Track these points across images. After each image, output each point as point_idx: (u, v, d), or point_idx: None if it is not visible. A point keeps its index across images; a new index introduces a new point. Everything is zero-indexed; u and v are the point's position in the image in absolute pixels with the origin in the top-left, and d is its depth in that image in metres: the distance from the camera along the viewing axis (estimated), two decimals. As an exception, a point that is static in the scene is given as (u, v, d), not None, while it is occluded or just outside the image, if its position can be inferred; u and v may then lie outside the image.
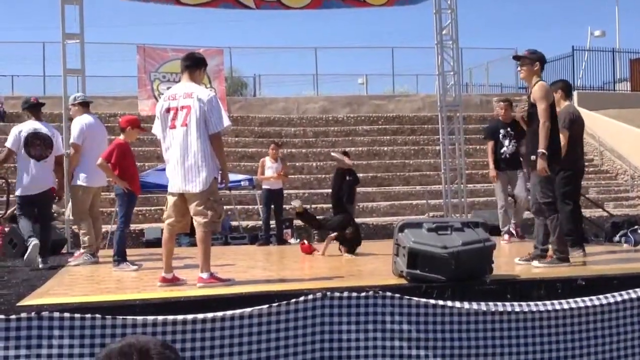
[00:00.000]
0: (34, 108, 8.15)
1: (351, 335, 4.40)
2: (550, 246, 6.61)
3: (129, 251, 7.58)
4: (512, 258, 6.89)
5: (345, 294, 4.45)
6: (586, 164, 20.64)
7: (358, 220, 11.53)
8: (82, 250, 7.89)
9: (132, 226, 12.09)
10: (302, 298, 4.35)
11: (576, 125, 7.52)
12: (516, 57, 7.09)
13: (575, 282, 5.41)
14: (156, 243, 10.36)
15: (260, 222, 12.43)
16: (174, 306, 4.51)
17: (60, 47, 11.02)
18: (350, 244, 8.46)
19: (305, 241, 9.37)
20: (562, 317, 4.72)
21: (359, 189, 13.41)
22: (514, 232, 9.49)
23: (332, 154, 9.02)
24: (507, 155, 9.44)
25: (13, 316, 3.87)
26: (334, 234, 8.61)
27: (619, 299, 4.86)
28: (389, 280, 5.40)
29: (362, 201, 17.85)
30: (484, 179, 19.51)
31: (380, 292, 4.51)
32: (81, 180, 7.89)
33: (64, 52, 10.97)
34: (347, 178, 11.95)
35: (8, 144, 7.74)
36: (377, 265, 7.27)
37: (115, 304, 4.58)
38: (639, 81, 25.93)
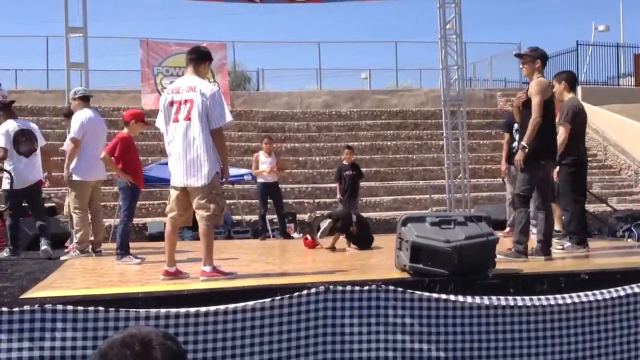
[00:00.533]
0: (6, 107, 8.29)
1: (354, 329, 4.40)
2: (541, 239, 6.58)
3: (132, 245, 7.60)
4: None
5: (348, 287, 4.44)
6: (590, 158, 20.67)
7: (363, 214, 11.54)
8: (73, 245, 7.92)
9: (135, 220, 12.08)
10: (305, 292, 4.35)
11: (579, 118, 7.41)
12: (518, 55, 7.08)
13: (579, 276, 5.40)
14: (159, 237, 10.39)
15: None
16: (177, 299, 4.52)
17: (63, 40, 11.02)
18: (358, 241, 8.45)
19: (308, 236, 9.37)
20: (565, 312, 4.71)
21: (362, 184, 13.41)
22: None
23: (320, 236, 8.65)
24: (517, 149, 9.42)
25: (16, 309, 3.88)
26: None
27: (622, 293, 4.86)
28: (392, 274, 5.40)
29: (366, 196, 17.85)
30: (487, 173, 19.51)
31: (383, 286, 4.51)
32: (80, 174, 7.88)
33: (67, 45, 10.98)
34: (349, 172, 11.95)
35: (1, 143, 7.80)
36: (380, 259, 7.27)
37: (118, 296, 4.59)
38: (644, 76, 25.85)
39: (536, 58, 6.67)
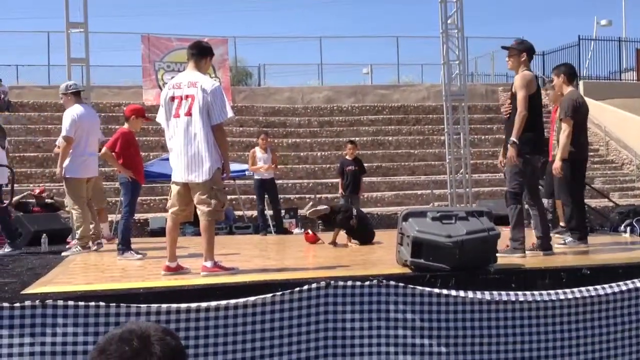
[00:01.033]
0: None
1: (355, 324, 4.40)
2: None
3: (133, 240, 7.60)
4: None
5: (350, 283, 4.44)
6: (592, 153, 20.69)
7: (363, 210, 11.53)
8: (75, 241, 7.91)
9: (137, 215, 12.09)
10: (306, 287, 4.35)
11: (580, 113, 7.31)
12: (505, 47, 6.96)
13: (580, 271, 5.39)
14: (161, 232, 10.39)
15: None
16: (178, 295, 4.52)
17: (64, 36, 11.01)
18: (359, 236, 8.43)
19: (310, 231, 9.37)
20: (567, 307, 4.70)
21: (363, 179, 13.39)
22: None
23: (308, 212, 8.60)
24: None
25: (17, 304, 3.88)
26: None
27: (624, 288, 4.85)
28: (393, 270, 5.39)
29: (367, 191, 17.82)
30: (489, 168, 19.49)
31: (384, 281, 4.50)
32: (74, 171, 7.82)
33: (68, 41, 10.94)
34: (352, 168, 11.94)
35: None
36: (381, 255, 7.27)
37: (120, 292, 4.59)
38: (646, 71, 25.82)
39: (522, 51, 6.58)
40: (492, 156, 19.72)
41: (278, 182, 13.14)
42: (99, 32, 20.29)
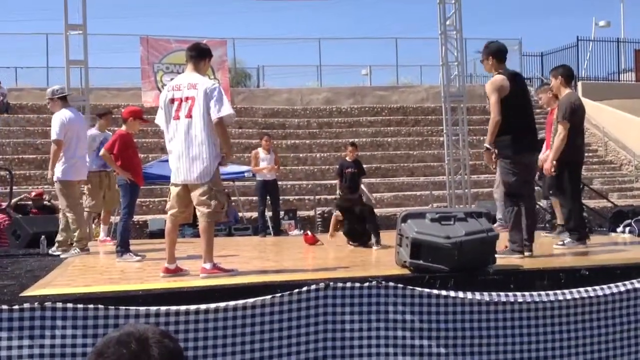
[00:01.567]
0: None
1: (354, 325, 4.40)
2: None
3: (132, 242, 7.59)
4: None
5: (349, 284, 4.44)
6: (590, 154, 20.71)
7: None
8: (73, 244, 7.90)
9: (136, 217, 12.10)
10: (305, 288, 4.34)
11: (577, 116, 7.32)
12: (478, 52, 6.95)
13: (579, 272, 5.39)
14: (160, 234, 10.38)
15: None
16: (177, 297, 4.51)
17: (63, 38, 11.02)
18: (359, 237, 8.42)
19: (309, 232, 9.36)
20: (565, 307, 4.71)
21: (363, 180, 13.37)
22: None
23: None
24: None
25: (16, 307, 3.88)
26: (338, 214, 8.60)
27: (622, 289, 4.85)
28: (392, 271, 5.39)
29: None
30: (488, 169, 19.46)
31: (383, 282, 4.50)
32: (65, 175, 7.81)
33: (66, 43, 10.97)
34: (351, 170, 11.91)
35: None
36: (380, 256, 7.27)
37: (119, 294, 4.58)
38: (644, 72, 25.84)
39: (487, 55, 6.55)
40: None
41: (277, 183, 13.13)
42: (98, 33, 20.28)
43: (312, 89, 24.12)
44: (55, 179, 7.80)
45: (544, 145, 8.27)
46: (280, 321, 4.25)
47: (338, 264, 6.61)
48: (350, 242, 8.44)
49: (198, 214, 5.55)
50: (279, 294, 4.29)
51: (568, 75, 7.59)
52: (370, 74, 26.90)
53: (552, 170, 7.18)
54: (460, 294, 4.58)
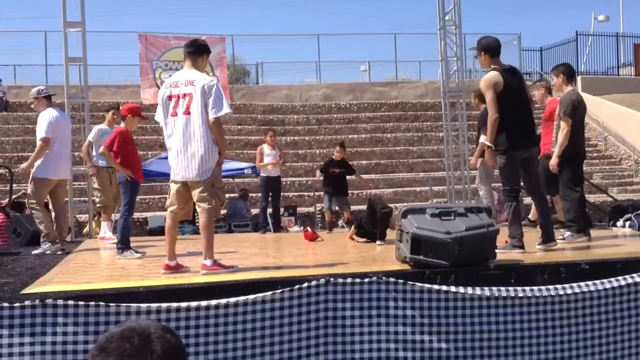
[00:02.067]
0: None
1: (355, 321, 4.40)
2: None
3: (132, 239, 7.59)
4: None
5: (349, 280, 4.44)
6: (590, 149, 20.69)
7: (363, 207, 11.52)
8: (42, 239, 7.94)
9: (136, 214, 12.10)
10: (305, 284, 4.34)
11: (578, 112, 7.40)
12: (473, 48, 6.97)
13: (579, 266, 5.40)
14: (160, 231, 10.38)
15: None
16: (178, 293, 4.52)
17: (61, 35, 11.00)
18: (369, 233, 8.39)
19: (309, 228, 9.36)
20: (566, 302, 4.71)
21: (362, 176, 13.35)
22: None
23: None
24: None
25: (17, 304, 3.88)
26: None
27: (622, 283, 4.85)
28: (393, 266, 5.40)
29: (366, 188, 17.84)
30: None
31: (383, 277, 4.50)
32: (42, 172, 7.85)
33: (65, 40, 10.95)
34: (337, 170, 11.50)
35: None
36: (380, 251, 7.27)
37: (119, 291, 4.59)
38: (643, 66, 25.83)
39: (480, 51, 6.55)
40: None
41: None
42: (97, 31, 20.26)
43: (311, 85, 24.11)
44: (32, 175, 7.85)
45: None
46: (281, 317, 4.25)
47: (338, 259, 6.62)
48: (356, 238, 8.37)
49: (198, 210, 5.56)
50: (280, 290, 4.29)
51: (569, 73, 7.66)
52: (369, 69, 26.90)
53: (556, 166, 7.26)
54: (461, 289, 4.58)
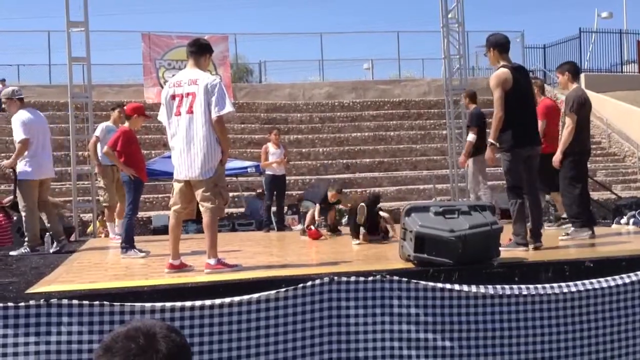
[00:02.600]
0: None
1: (359, 319, 4.41)
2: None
3: (136, 238, 7.60)
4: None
5: (353, 278, 4.44)
6: (594, 146, 20.65)
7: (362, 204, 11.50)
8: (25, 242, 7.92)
9: (140, 214, 12.11)
10: (309, 283, 4.35)
11: (584, 109, 7.44)
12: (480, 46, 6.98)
13: (583, 264, 5.39)
14: (164, 230, 10.38)
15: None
16: (182, 292, 4.52)
17: (65, 35, 11.01)
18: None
19: (312, 227, 9.36)
20: (570, 300, 4.71)
21: (365, 174, 13.45)
22: None
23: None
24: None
25: (22, 304, 3.89)
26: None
27: (627, 280, 4.85)
28: (396, 265, 5.40)
29: (370, 186, 17.85)
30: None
31: (387, 276, 4.50)
32: (27, 173, 7.83)
33: (68, 40, 10.96)
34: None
35: None
36: (384, 250, 7.27)
37: (123, 290, 4.59)
38: (647, 63, 25.77)
39: (489, 47, 6.54)
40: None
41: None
42: (100, 30, 20.28)
43: (314, 84, 24.10)
44: (17, 178, 7.84)
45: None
46: (285, 316, 4.26)
47: (342, 258, 6.62)
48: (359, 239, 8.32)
49: (202, 209, 5.56)
50: (284, 289, 4.29)
51: (575, 71, 7.73)
52: (372, 67, 26.88)
53: (559, 162, 7.28)
54: (465, 287, 4.58)
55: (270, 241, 9.70)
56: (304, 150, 19.85)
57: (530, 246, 6.31)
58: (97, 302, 3.95)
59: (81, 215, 12.96)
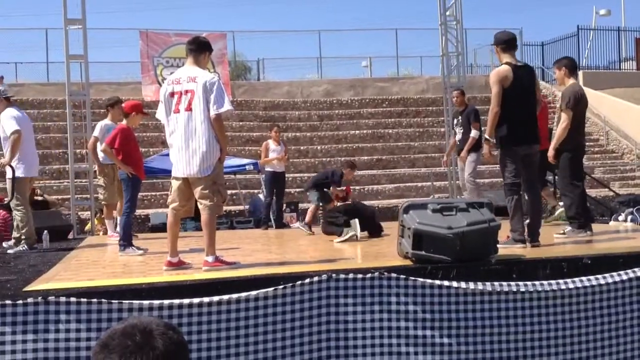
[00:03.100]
0: None
1: (357, 316, 4.41)
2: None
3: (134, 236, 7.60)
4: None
5: (351, 275, 4.44)
6: (592, 143, 20.69)
7: (365, 202, 11.56)
8: (22, 240, 7.91)
9: (138, 211, 12.09)
10: (307, 280, 4.35)
11: (580, 105, 7.42)
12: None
13: (581, 261, 5.40)
14: (162, 228, 10.40)
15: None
16: (180, 290, 4.52)
17: (62, 33, 11.00)
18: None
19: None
20: (567, 297, 4.71)
21: (364, 172, 13.44)
22: None
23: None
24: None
25: (20, 301, 3.89)
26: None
27: (624, 277, 4.86)
28: (394, 262, 5.40)
29: (368, 184, 17.85)
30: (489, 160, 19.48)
31: (385, 273, 4.51)
32: (21, 171, 7.85)
33: (66, 38, 10.95)
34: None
35: None
36: (382, 247, 7.28)
37: (122, 288, 4.59)
38: (645, 60, 25.78)
39: (495, 44, 6.64)
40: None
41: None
42: (97, 28, 20.26)
43: (313, 81, 24.08)
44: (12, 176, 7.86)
45: None
46: (283, 313, 4.26)
47: (340, 255, 6.62)
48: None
49: (200, 207, 5.56)
50: (282, 286, 4.29)
51: (572, 66, 7.69)
52: (371, 65, 26.85)
53: (553, 157, 7.29)
54: (463, 285, 4.58)
55: (268, 239, 9.70)
56: (302, 147, 19.84)
57: (528, 244, 6.32)
58: (95, 300, 3.95)
59: (79, 213, 12.96)
